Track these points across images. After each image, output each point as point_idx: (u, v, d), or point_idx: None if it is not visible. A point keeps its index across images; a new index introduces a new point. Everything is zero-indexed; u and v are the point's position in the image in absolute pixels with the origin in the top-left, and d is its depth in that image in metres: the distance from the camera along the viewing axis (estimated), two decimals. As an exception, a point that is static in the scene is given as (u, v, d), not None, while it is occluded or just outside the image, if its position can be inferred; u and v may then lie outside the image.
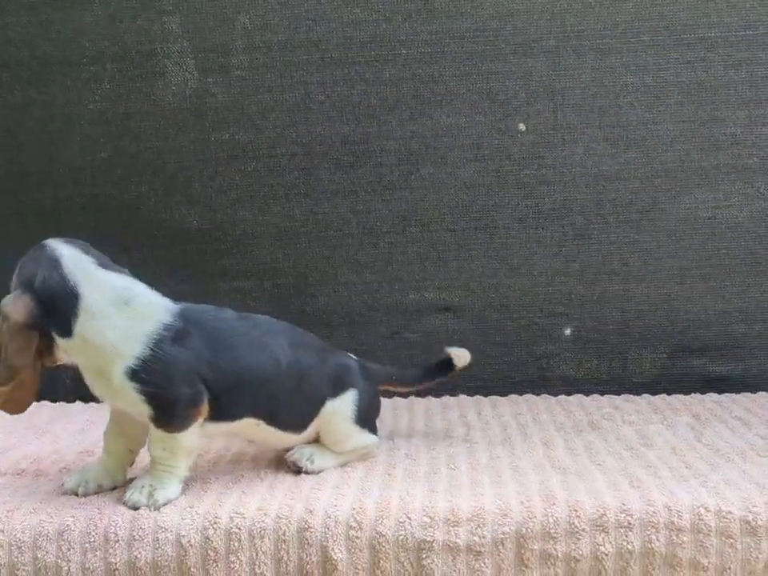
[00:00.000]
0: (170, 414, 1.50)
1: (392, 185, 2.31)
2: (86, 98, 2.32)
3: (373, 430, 1.76)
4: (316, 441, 1.71)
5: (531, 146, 2.28)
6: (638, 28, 2.24)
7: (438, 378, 1.90)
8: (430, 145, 2.29)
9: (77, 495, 1.55)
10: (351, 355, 1.81)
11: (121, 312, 1.49)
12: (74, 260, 1.52)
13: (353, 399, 1.71)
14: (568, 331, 2.33)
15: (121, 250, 2.32)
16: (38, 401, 2.23)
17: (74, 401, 2.28)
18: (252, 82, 2.31)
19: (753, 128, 2.25)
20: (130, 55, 2.31)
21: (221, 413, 1.55)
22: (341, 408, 1.69)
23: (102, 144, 2.33)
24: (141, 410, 1.49)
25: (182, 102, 2.32)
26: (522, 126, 2.28)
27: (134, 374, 1.47)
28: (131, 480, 1.58)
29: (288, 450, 1.69)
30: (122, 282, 1.53)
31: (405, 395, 2.18)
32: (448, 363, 1.87)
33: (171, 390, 1.49)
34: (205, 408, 1.52)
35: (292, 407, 1.64)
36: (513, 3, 2.25)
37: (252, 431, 1.63)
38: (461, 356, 1.87)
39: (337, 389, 1.70)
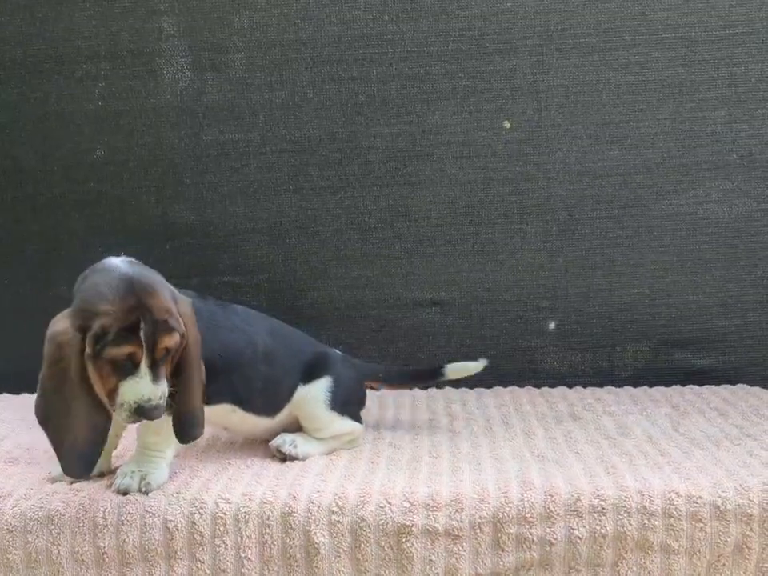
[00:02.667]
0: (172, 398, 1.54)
1: (380, 181, 2.35)
2: (79, 96, 2.35)
3: (356, 418, 1.81)
4: (297, 431, 1.76)
5: (516, 143, 2.32)
6: (620, 27, 2.28)
7: (426, 383, 1.96)
8: (417, 142, 2.33)
9: (64, 483, 1.59)
10: (336, 350, 1.87)
11: None
12: None
13: (327, 386, 1.76)
14: (552, 325, 2.37)
15: (113, 245, 2.38)
16: (31, 393, 2.29)
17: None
18: (243, 81, 2.34)
19: (732, 125, 2.29)
20: (123, 54, 2.34)
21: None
22: (313, 393, 1.75)
23: (95, 141, 2.36)
24: None
25: (174, 100, 2.35)
26: (506, 124, 2.32)
27: None
28: (116, 468, 1.62)
29: (268, 439, 1.74)
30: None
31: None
32: (438, 370, 1.94)
33: None
34: None
35: (265, 391, 1.70)
36: (498, 3, 2.29)
37: (227, 416, 1.69)
38: (459, 371, 1.94)
39: (310, 375, 1.76)
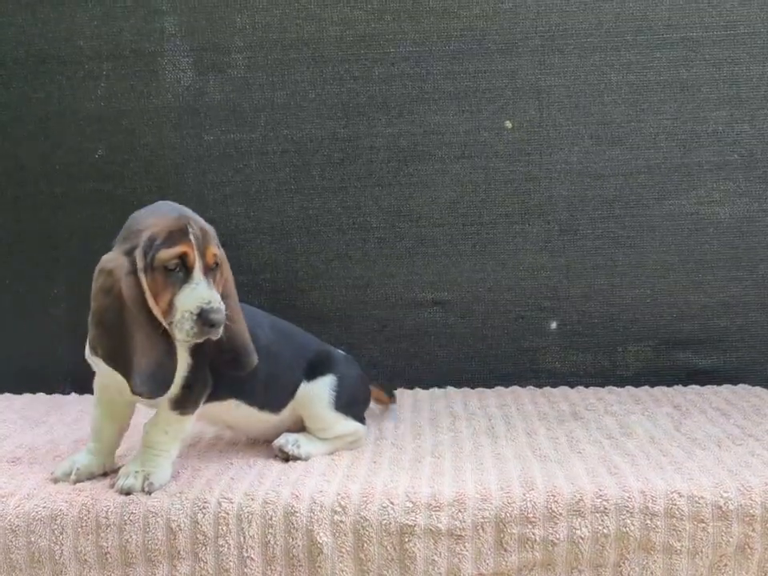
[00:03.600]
0: (189, 396, 1.56)
1: (381, 181, 2.35)
2: (81, 96, 2.36)
3: (359, 418, 1.81)
4: (301, 431, 1.77)
5: (517, 144, 2.33)
6: (622, 27, 2.28)
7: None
8: (419, 142, 2.34)
9: (67, 482, 1.59)
10: (339, 350, 1.87)
11: None
12: None
13: (330, 384, 1.76)
14: (554, 325, 2.37)
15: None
16: (33, 393, 2.30)
17: (69, 393, 2.33)
18: (244, 81, 2.35)
19: (734, 125, 2.30)
20: (125, 54, 2.35)
21: (211, 393, 1.61)
22: (317, 392, 1.75)
23: (96, 141, 2.36)
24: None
25: (175, 100, 2.36)
26: (508, 124, 2.32)
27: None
28: (119, 468, 1.62)
29: (270, 439, 1.74)
30: None
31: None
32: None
33: (199, 372, 1.56)
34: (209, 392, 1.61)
35: (268, 386, 1.70)
36: (499, 3, 2.29)
37: (232, 414, 1.69)
38: None
39: (314, 373, 1.76)
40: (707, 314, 2.34)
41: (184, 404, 1.56)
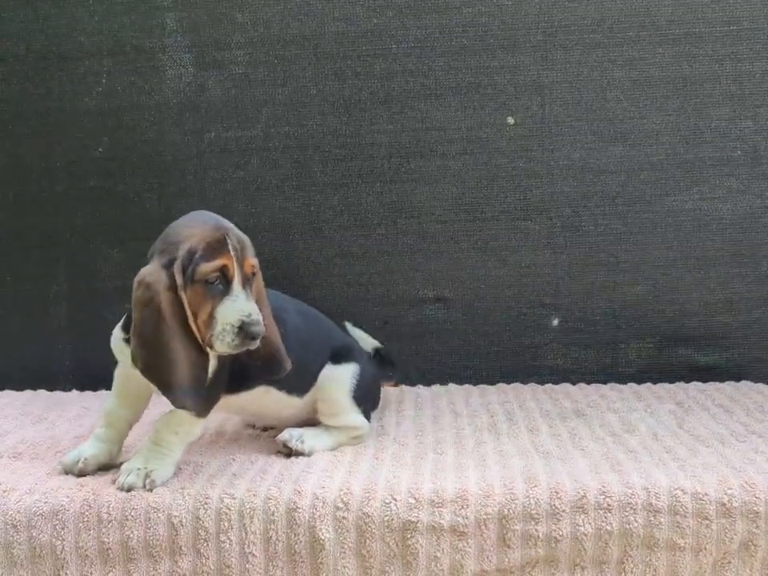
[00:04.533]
0: (207, 397, 1.54)
1: (383, 177, 2.35)
2: (82, 92, 2.35)
3: (366, 416, 1.81)
4: (314, 424, 1.77)
5: (519, 140, 2.32)
6: (625, 23, 2.28)
7: None
8: (420, 138, 2.33)
9: (73, 473, 1.60)
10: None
11: None
12: None
13: (353, 372, 1.77)
14: (556, 322, 2.36)
15: (116, 241, 2.39)
16: (34, 390, 2.30)
17: (70, 389, 2.32)
18: (245, 77, 2.34)
19: (737, 122, 2.29)
20: (126, 50, 2.34)
21: (241, 383, 1.63)
22: (339, 375, 1.76)
23: (97, 137, 2.36)
24: None
25: (176, 96, 2.35)
26: (510, 120, 2.32)
27: None
28: (122, 463, 1.61)
29: (291, 424, 1.75)
30: None
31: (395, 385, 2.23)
32: None
33: (221, 376, 1.56)
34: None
35: (297, 370, 1.67)
36: (501, -1, 2.29)
37: (261, 400, 1.69)
38: None
39: (339, 358, 1.77)
40: (710, 311, 2.34)
41: (200, 405, 1.55)
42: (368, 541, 1.49)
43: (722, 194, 2.31)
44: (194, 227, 1.49)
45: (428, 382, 2.31)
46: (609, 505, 1.50)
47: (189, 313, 1.45)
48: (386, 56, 2.31)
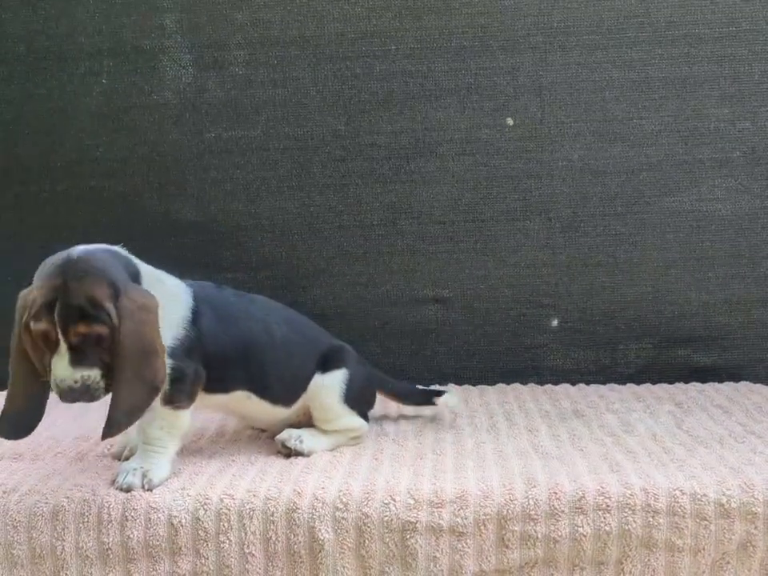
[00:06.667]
0: (179, 390, 1.57)
1: (383, 178, 2.35)
2: (82, 93, 2.35)
3: (363, 416, 1.81)
4: (307, 426, 1.77)
5: (519, 141, 2.32)
6: (624, 24, 2.28)
7: (425, 404, 1.97)
8: (420, 139, 2.33)
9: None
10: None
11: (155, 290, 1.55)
12: None
13: (342, 378, 1.77)
14: (555, 322, 2.37)
15: (116, 241, 2.38)
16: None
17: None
18: (245, 78, 2.34)
19: (736, 122, 2.29)
20: (126, 51, 2.34)
21: (216, 385, 1.64)
22: (329, 383, 1.76)
23: (98, 138, 2.36)
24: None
25: (176, 96, 2.35)
26: (509, 121, 2.32)
27: (171, 354, 1.55)
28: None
29: (278, 432, 1.75)
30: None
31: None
32: (437, 394, 1.97)
33: (189, 367, 1.57)
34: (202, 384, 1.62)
35: (282, 380, 1.71)
36: (500, 0, 2.28)
37: (243, 404, 1.71)
38: (449, 402, 1.96)
39: (328, 365, 1.77)
40: (709, 312, 2.34)
41: (176, 398, 1.57)
42: (367, 541, 1.50)
43: (720, 194, 2.31)
44: (43, 278, 1.47)
45: (427, 383, 2.30)
46: (607, 505, 1.50)
47: (29, 350, 1.49)
48: (386, 57, 2.32)
